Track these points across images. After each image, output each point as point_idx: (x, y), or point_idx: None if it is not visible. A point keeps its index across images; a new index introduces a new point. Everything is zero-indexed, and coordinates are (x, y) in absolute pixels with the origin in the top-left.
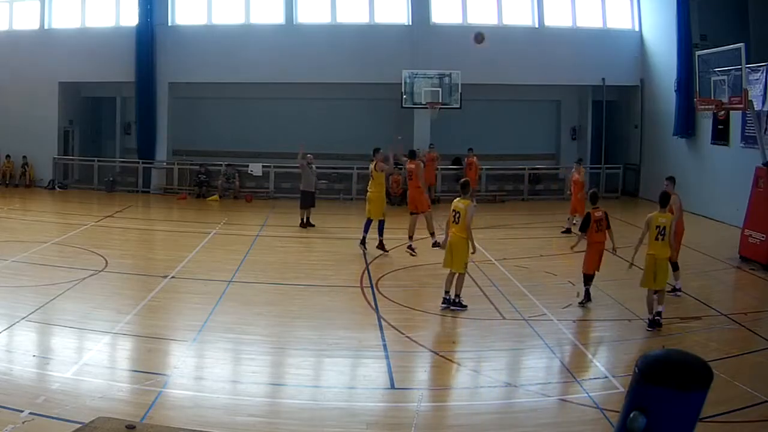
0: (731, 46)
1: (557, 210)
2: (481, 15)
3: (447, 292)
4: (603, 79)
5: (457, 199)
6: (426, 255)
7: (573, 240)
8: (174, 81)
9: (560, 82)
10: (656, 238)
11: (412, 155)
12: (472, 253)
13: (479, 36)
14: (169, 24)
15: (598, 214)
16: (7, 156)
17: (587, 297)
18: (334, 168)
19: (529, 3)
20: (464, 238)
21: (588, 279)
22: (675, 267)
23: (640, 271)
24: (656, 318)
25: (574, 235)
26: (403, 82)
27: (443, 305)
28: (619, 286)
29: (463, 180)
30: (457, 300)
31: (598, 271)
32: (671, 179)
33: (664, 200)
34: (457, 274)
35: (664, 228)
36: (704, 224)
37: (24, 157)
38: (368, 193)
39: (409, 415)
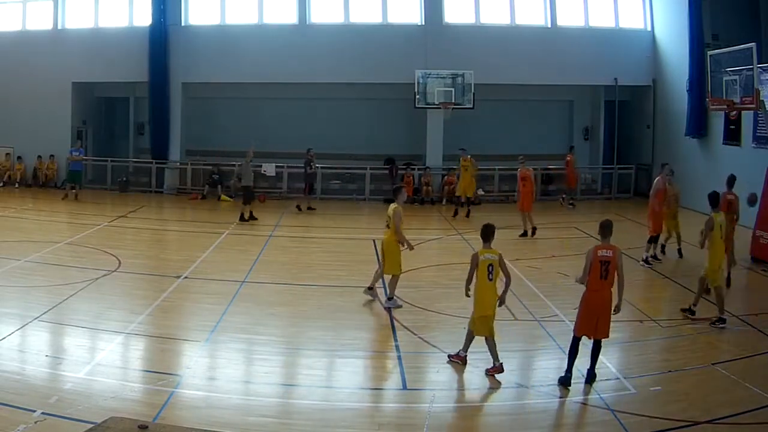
0: (743, 45)
1: (570, 211)
2: (494, 15)
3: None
4: (615, 79)
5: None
6: (437, 256)
7: None
8: (187, 81)
9: (573, 82)
10: None
11: None
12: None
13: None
14: (183, 24)
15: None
16: (18, 157)
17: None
18: (347, 168)
19: (542, 3)
20: (395, 241)
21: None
22: None
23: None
24: None
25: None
26: (416, 82)
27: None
28: (630, 288)
29: (395, 186)
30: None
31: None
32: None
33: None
34: (391, 276)
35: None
36: None
37: (51, 156)
38: None
39: (421, 416)
